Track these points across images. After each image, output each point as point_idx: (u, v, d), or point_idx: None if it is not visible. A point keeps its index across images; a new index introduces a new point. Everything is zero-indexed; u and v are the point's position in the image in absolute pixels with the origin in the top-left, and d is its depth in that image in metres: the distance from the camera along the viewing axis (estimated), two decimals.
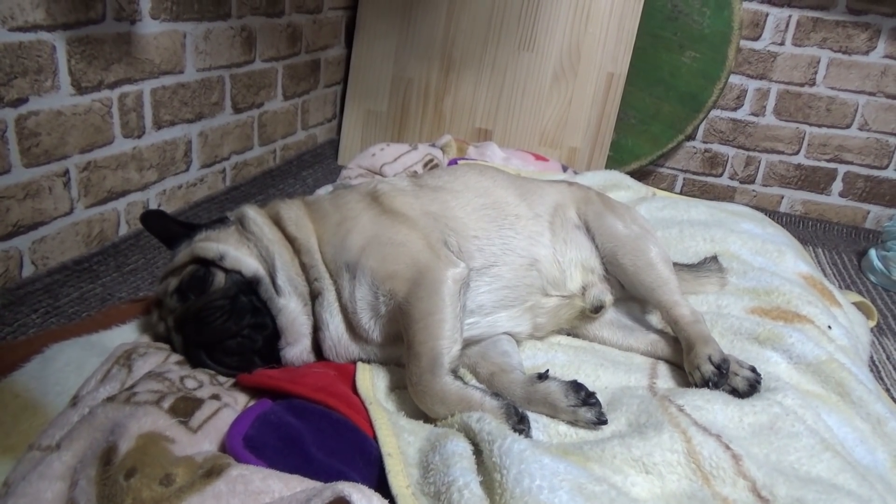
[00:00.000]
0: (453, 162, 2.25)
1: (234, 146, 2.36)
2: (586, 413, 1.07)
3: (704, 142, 3.10)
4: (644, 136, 2.90)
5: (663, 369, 1.31)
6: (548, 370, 1.15)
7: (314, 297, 1.22)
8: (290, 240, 1.26)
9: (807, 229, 2.89)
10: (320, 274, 1.22)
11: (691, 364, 1.22)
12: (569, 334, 1.44)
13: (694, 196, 2.52)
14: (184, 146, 2.10)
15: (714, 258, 1.66)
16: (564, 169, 2.39)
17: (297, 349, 1.21)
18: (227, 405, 1.01)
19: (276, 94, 2.54)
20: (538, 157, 2.43)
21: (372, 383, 1.16)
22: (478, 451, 0.94)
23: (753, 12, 2.86)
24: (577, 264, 1.39)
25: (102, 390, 1.03)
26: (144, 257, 1.84)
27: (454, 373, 1.10)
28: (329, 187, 2.01)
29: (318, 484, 0.84)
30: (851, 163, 2.95)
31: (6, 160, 1.53)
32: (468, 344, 1.24)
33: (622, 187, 2.15)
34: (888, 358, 1.77)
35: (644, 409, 1.09)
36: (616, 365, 1.29)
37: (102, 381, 1.06)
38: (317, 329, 1.22)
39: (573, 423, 1.08)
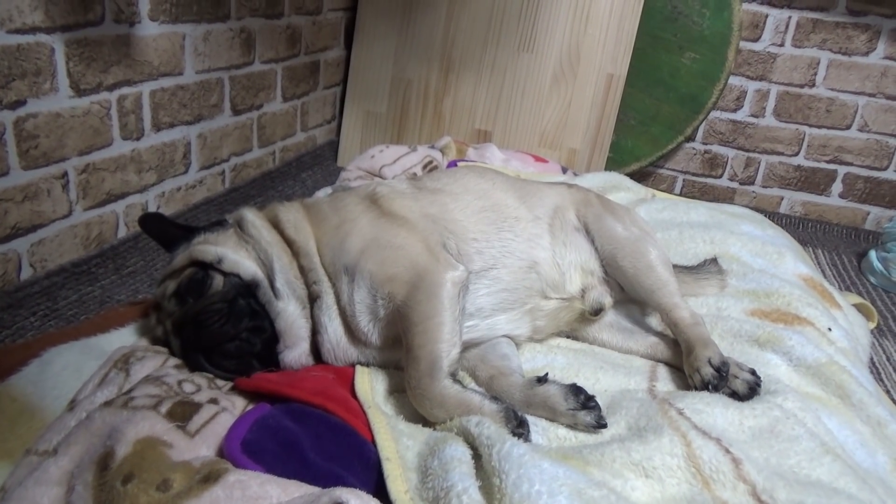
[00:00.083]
0: (453, 164, 2.24)
1: (234, 148, 2.36)
2: (586, 417, 1.07)
3: (704, 143, 3.10)
4: (644, 138, 2.90)
5: (663, 372, 1.31)
6: (547, 373, 1.15)
7: (313, 300, 1.22)
8: (289, 243, 1.25)
9: (807, 231, 2.88)
10: (319, 277, 1.21)
11: (691, 367, 1.22)
12: (568, 337, 1.43)
13: (694, 197, 2.51)
14: (183, 148, 2.10)
15: (714, 260, 1.65)
16: (564, 170, 2.38)
17: (296, 352, 1.20)
18: (225, 409, 1.00)
19: (275, 96, 2.54)
20: (538, 159, 2.42)
21: (371, 387, 1.16)
22: (477, 456, 0.93)
23: (753, 13, 2.85)
24: (577, 267, 1.38)
25: (100, 394, 1.03)
26: (143, 260, 1.84)
27: (453, 376, 1.09)
28: (328, 189, 2.01)
29: (316, 489, 0.84)
30: (851, 164, 2.95)
31: (4, 162, 1.52)
32: (467, 347, 1.24)
33: (622, 189, 2.14)
34: (888, 360, 1.77)
35: (644, 412, 1.08)
36: (616, 368, 1.29)
37: (100, 385, 1.06)
38: (315, 332, 1.22)
39: (573, 426, 1.08)
